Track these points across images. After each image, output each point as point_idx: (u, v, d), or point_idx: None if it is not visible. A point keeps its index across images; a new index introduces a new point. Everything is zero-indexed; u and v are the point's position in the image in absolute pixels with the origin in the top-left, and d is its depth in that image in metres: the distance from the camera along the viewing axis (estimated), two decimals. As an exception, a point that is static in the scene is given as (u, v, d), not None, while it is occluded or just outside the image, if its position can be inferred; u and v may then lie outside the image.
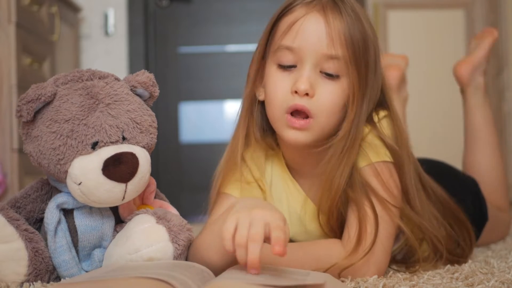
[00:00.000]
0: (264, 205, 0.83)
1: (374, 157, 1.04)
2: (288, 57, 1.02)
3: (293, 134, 1.02)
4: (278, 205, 1.13)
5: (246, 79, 1.13)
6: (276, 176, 1.13)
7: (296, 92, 1.00)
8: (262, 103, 1.10)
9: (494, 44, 1.74)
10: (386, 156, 1.05)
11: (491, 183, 1.54)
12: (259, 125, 1.12)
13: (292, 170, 1.13)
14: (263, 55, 1.08)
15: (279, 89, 1.03)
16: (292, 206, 1.13)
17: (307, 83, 0.99)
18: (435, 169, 1.26)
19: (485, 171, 1.57)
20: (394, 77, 1.72)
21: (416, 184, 1.10)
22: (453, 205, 1.21)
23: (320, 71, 1.01)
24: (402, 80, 1.76)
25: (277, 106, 1.03)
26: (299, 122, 1.01)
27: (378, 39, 1.06)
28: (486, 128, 1.61)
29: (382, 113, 1.08)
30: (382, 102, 1.09)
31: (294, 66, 1.02)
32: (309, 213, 1.11)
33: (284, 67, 1.03)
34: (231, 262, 0.89)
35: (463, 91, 1.68)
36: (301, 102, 1.00)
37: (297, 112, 1.01)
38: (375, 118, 1.07)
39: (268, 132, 1.12)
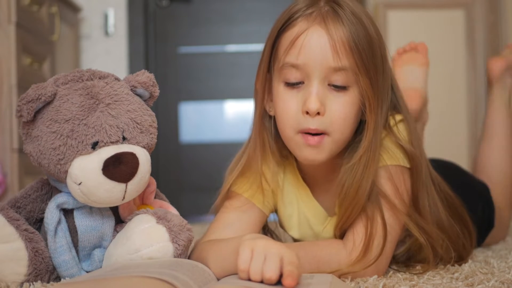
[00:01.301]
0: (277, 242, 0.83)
1: (389, 160, 1.03)
2: (294, 74, 0.99)
3: (309, 153, 1.00)
4: (288, 207, 1.13)
5: (253, 93, 1.10)
6: (288, 181, 1.13)
7: (307, 112, 0.98)
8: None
9: None
10: (401, 161, 1.04)
11: (499, 185, 1.54)
12: (273, 136, 1.09)
13: (305, 176, 1.13)
14: (268, 70, 1.05)
15: (289, 109, 1.00)
16: (302, 209, 1.12)
17: (317, 102, 0.97)
18: (448, 171, 1.26)
19: (494, 171, 1.56)
20: (415, 103, 1.58)
21: (428, 184, 1.10)
22: (457, 203, 1.21)
23: (328, 84, 0.99)
24: (424, 103, 1.65)
25: (289, 127, 1.01)
26: (313, 139, 0.99)
27: (381, 36, 1.03)
28: (503, 129, 1.61)
29: (398, 117, 1.07)
30: (395, 104, 1.08)
31: (301, 83, 1.00)
32: (318, 217, 1.11)
33: (292, 85, 1.00)
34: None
35: (490, 87, 1.69)
36: (314, 124, 0.97)
37: (314, 132, 0.99)
38: (392, 122, 1.05)
39: (282, 141, 1.09)
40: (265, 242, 0.80)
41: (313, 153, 1.00)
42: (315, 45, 0.98)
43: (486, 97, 1.71)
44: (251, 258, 0.79)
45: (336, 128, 0.99)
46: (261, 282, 0.79)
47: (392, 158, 1.03)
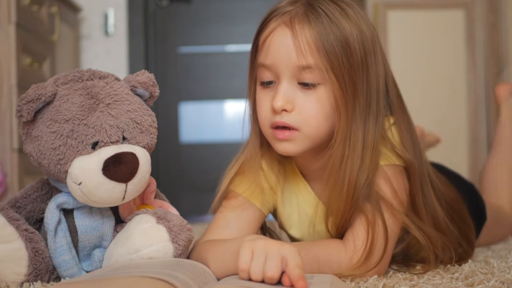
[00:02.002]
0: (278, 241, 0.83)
1: (384, 161, 1.03)
2: (266, 74, 1.03)
3: (281, 146, 1.03)
4: (287, 206, 1.14)
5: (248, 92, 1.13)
6: (288, 178, 1.14)
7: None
8: None
9: None
10: (397, 161, 1.04)
11: (503, 197, 1.57)
12: None
13: (304, 172, 1.13)
14: (253, 72, 1.08)
15: (263, 107, 1.04)
16: (303, 207, 1.13)
17: (282, 100, 0.99)
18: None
19: (501, 183, 1.61)
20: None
21: (425, 185, 1.10)
22: (457, 202, 1.21)
23: (298, 83, 1.00)
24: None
25: (264, 124, 1.04)
26: (283, 133, 1.01)
27: (372, 38, 1.02)
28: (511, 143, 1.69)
29: (392, 119, 1.07)
30: (390, 105, 1.08)
31: (273, 82, 1.03)
32: (319, 214, 1.11)
33: (265, 84, 1.04)
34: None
35: (498, 107, 1.82)
36: (281, 119, 1.00)
37: (281, 127, 1.02)
38: (387, 125, 1.06)
39: None
40: (266, 242, 0.81)
41: (284, 145, 1.02)
42: (280, 45, 1.00)
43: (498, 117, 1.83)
44: (251, 258, 0.79)
45: (307, 124, 1.00)
46: (261, 282, 0.79)
47: (387, 159, 1.04)
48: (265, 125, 1.04)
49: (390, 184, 1.02)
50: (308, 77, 0.99)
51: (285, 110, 1.00)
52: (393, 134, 1.06)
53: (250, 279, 0.79)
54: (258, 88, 1.05)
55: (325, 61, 0.98)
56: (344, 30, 0.99)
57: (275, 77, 1.02)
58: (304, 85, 1.00)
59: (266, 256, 0.78)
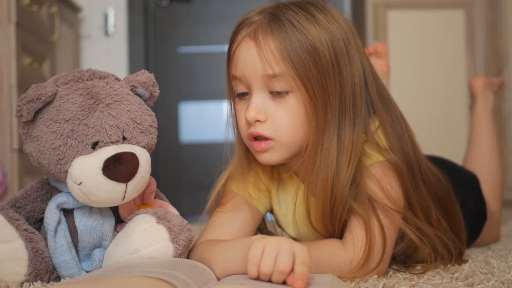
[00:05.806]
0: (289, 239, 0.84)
1: (369, 160, 1.03)
2: (239, 86, 1.04)
3: (262, 156, 1.04)
4: (284, 206, 1.14)
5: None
6: (282, 178, 1.14)
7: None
8: None
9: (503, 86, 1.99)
10: (381, 156, 1.04)
11: (487, 178, 1.56)
12: None
13: (297, 172, 1.13)
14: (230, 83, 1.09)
15: (240, 119, 1.05)
16: (298, 206, 1.13)
17: (254, 111, 1.00)
18: (438, 166, 1.25)
19: (482, 164, 1.63)
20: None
21: (418, 181, 1.09)
22: (449, 199, 1.21)
23: (270, 92, 1.01)
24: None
25: (243, 135, 1.06)
26: (259, 145, 1.02)
27: (346, 35, 1.02)
28: (486, 139, 1.68)
29: (377, 122, 1.06)
30: (372, 105, 1.07)
31: (247, 93, 1.04)
32: (299, 214, 1.12)
33: (240, 96, 1.05)
34: None
35: (473, 103, 1.81)
36: (255, 129, 1.01)
37: (259, 137, 1.03)
38: (373, 127, 1.05)
39: None
40: (277, 238, 0.82)
41: (264, 156, 1.03)
42: (245, 57, 1.01)
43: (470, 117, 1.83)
44: (262, 252, 0.80)
45: (282, 133, 1.01)
46: (266, 281, 0.79)
47: (371, 159, 1.04)
48: (244, 137, 1.05)
49: (379, 184, 1.02)
50: (278, 85, 1.00)
51: (259, 121, 1.01)
52: (379, 136, 1.05)
53: (257, 276, 0.80)
54: (236, 99, 1.06)
55: (291, 69, 0.98)
56: (310, 36, 0.99)
57: (248, 88, 1.03)
58: (275, 94, 1.00)
59: (278, 251, 0.79)
